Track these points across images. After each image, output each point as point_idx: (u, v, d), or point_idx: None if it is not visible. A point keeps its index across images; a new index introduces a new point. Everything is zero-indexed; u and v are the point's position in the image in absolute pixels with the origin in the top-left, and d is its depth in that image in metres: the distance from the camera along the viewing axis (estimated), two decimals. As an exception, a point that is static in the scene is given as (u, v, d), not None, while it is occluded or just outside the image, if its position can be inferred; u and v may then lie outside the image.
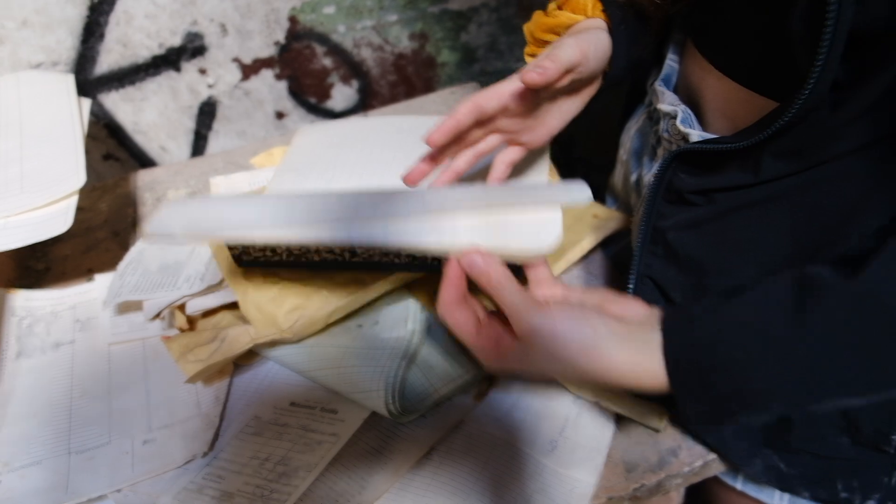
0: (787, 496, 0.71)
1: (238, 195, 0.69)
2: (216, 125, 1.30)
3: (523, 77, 0.65)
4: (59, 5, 1.06)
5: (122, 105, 1.19)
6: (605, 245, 0.89)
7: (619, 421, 0.72)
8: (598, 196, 0.97)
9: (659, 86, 0.74)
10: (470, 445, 0.70)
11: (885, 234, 0.49)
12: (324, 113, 1.41)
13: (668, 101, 0.71)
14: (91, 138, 1.18)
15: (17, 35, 1.06)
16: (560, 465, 0.68)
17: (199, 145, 1.31)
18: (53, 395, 0.76)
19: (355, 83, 1.40)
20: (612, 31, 0.72)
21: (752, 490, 0.74)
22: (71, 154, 0.82)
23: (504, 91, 0.69)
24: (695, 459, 0.69)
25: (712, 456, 0.69)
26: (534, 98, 0.72)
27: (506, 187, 0.64)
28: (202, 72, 1.23)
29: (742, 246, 0.62)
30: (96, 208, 1.06)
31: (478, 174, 0.80)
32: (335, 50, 1.33)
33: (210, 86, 1.25)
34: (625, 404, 0.71)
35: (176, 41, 1.18)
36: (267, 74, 1.30)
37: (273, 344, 0.77)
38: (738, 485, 0.75)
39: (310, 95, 1.37)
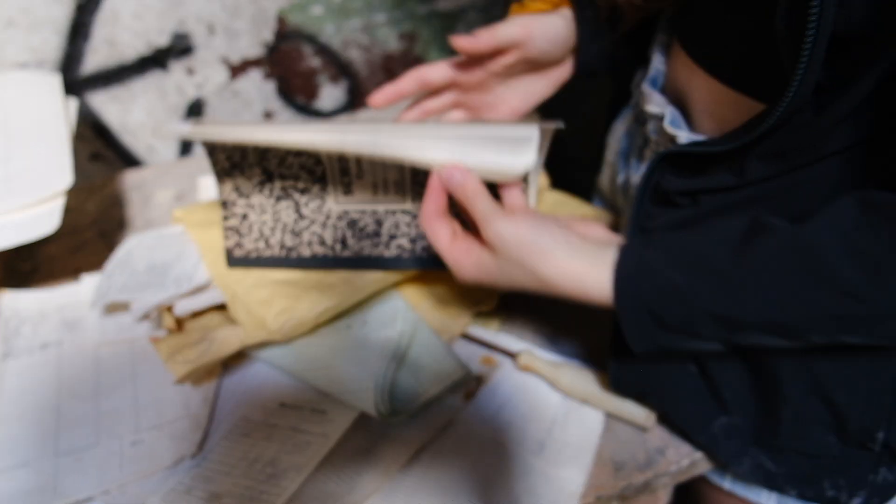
0: (774, 495, 0.72)
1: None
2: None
3: (452, 39, 0.71)
4: (45, 5, 1.06)
5: (109, 105, 1.19)
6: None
7: (607, 420, 0.73)
8: (587, 196, 0.97)
9: (646, 87, 0.74)
10: (459, 445, 0.70)
11: None
12: (312, 113, 1.40)
13: (655, 103, 0.72)
14: (78, 138, 1.18)
15: (3, 34, 1.05)
16: (549, 465, 0.68)
17: (186, 145, 1.31)
18: (41, 397, 0.75)
19: (343, 83, 1.40)
20: (577, 17, 0.76)
21: (740, 489, 0.74)
22: (58, 154, 0.82)
23: (448, 62, 0.76)
24: (682, 458, 0.69)
25: (699, 455, 0.70)
26: (482, 72, 0.76)
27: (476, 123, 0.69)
28: (190, 72, 1.22)
29: None
30: (83, 209, 1.05)
31: None
32: (323, 50, 1.33)
33: (198, 85, 1.25)
34: (612, 403, 0.72)
35: (163, 41, 1.18)
36: (255, 75, 1.29)
37: (262, 345, 0.77)
38: (727, 484, 0.75)
39: (298, 96, 1.37)
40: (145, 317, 0.80)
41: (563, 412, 0.73)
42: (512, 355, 0.78)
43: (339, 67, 1.37)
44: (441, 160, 0.63)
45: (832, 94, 0.52)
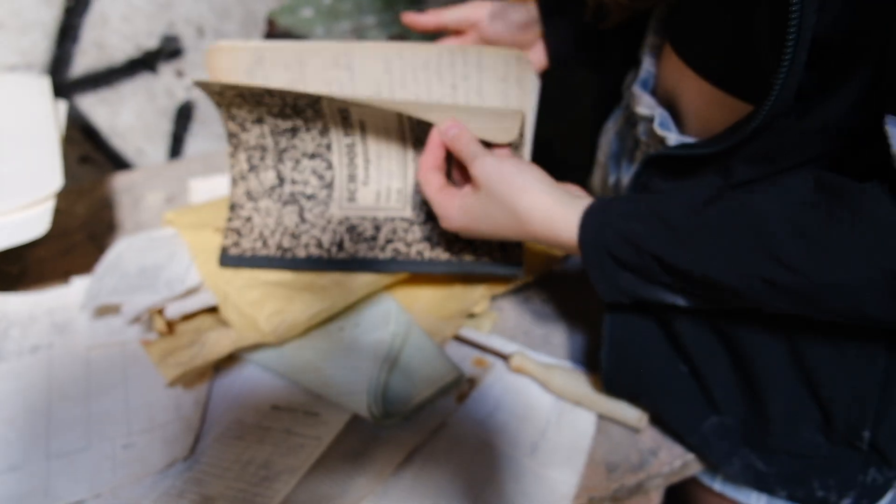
0: (764, 497, 0.72)
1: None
2: (194, 127, 1.29)
3: (403, 15, 0.84)
4: (34, 7, 1.05)
5: (98, 107, 1.18)
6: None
7: (600, 421, 0.73)
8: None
9: (636, 89, 0.74)
10: (452, 448, 0.70)
11: None
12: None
13: (645, 105, 0.72)
14: (67, 141, 1.17)
15: (-9, 37, 1.05)
16: (542, 466, 0.68)
17: (176, 148, 1.30)
18: (31, 400, 0.75)
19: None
20: (540, 7, 0.83)
21: (730, 491, 0.75)
22: (48, 156, 0.81)
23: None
24: (675, 459, 0.70)
25: (691, 456, 0.70)
26: None
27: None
28: (179, 74, 1.22)
29: None
30: (73, 211, 1.05)
31: None
32: (313, 53, 1.33)
33: (187, 88, 1.25)
34: (605, 405, 0.72)
35: (152, 43, 1.17)
36: (244, 77, 1.29)
37: (254, 347, 0.77)
38: (717, 485, 0.76)
39: (288, 98, 1.37)
40: (136, 319, 0.80)
41: (555, 414, 0.73)
42: (504, 357, 0.78)
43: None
44: (441, 118, 0.69)
45: (816, 99, 0.53)
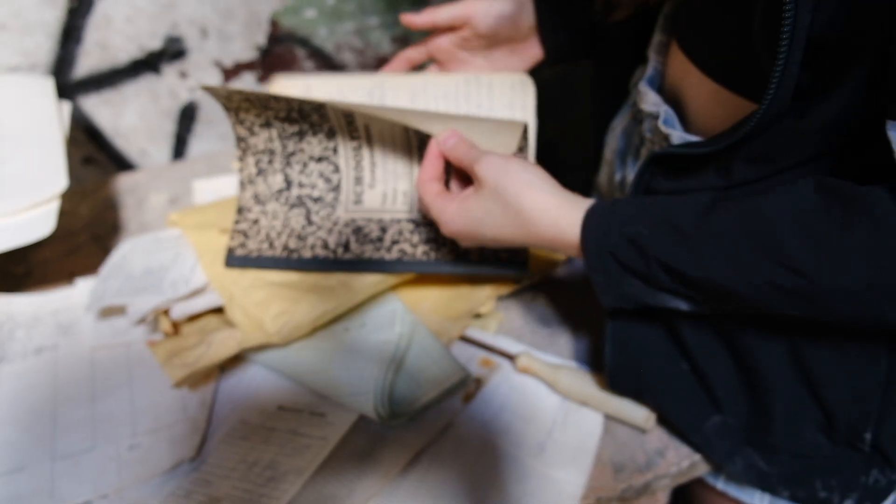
0: (767, 497, 0.72)
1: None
2: (197, 128, 1.28)
3: (401, 16, 0.87)
4: (37, 8, 1.05)
5: (101, 108, 1.18)
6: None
7: (607, 422, 0.73)
8: (583, 194, 0.97)
9: (643, 86, 0.75)
10: (458, 448, 0.70)
11: None
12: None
13: (651, 102, 0.72)
14: (70, 142, 1.17)
15: (-5, 38, 1.05)
16: (548, 467, 0.68)
17: (179, 149, 1.30)
18: (36, 401, 0.75)
19: (336, 87, 1.40)
20: (536, 3, 0.84)
21: (733, 490, 0.74)
22: (52, 157, 0.81)
23: (424, 42, 0.89)
24: (682, 460, 0.69)
25: (698, 456, 0.70)
26: (450, 45, 0.88)
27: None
28: (182, 75, 1.22)
29: None
30: (76, 212, 1.05)
31: None
32: (316, 53, 1.32)
33: (191, 89, 1.24)
34: (612, 405, 0.72)
35: (156, 44, 1.17)
36: (248, 78, 1.29)
37: (260, 348, 0.76)
38: (720, 485, 0.75)
39: (291, 99, 1.36)
40: (141, 320, 0.80)
41: (562, 414, 0.73)
42: (511, 357, 0.78)
43: (333, 70, 1.37)
44: (441, 129, 0.69)
45: (814, 99, 0.53)
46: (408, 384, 0.73)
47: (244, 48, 1.25)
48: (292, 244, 0.80)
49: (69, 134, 0.90)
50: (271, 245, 0.80)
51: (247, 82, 1.29)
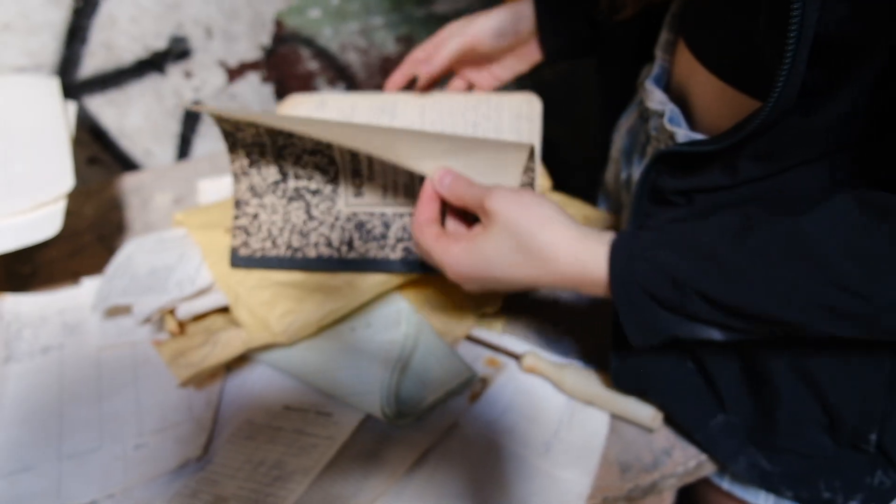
0: (772, 497, 0.72)
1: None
2: (202, 128, 1.29)
3: (386, 84, 0.91)
4: (42, 9, 1.05)
5: (106, 108, 1.18)
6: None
7: (613, 421, 0.72)
8: (586, 194, 0.98)
9: (649, 84, 0.75)
10: (464, 447, 0.70)
11: None
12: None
13: (656, 100, 0.72)
14: (75, 142, 1.17)
15: (0, 38, 1.05)
16: (555, 467, 0.68)
17: (184, 149, 1.30)
18: (43, 400, 0.75)
19: (341, 86, 1.40)
20: (536, 8, 0.86)
21: (738, 490, 0.74)
22: (58, 157, 0.82)
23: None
24: (689, 459, 0.69)
25: (705, 456, 0.70)
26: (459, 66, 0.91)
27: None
28: (187, 75, 1.22)
29: None
30: (82, 212, 1.05)
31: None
32: (321, 53, 1.32)
33: (195, 89, 1.25)
34: (618, 404, 0.72)
35: (161, 44, 1.17)
36: (253, 78, 1.29)
37: (265, 347, 0.76)
38: (725, 484, 0.75)
39: (295, 99, 1.37)
40: (147, 320, 0.80)
41: (568, 413, 0.73)
42: (516, 357, 0.78)
43: (337, 70, 1.37)
44: (434, 168, 0.64)
45: (820, 97, 0.53)
46: (414, 384, 0.73)
47: (249, 48, 1.25)
48: (295, 242, 0.79)
49: (74, 134, 0.90)
50: (274, 243, 0.80)
51: (251, 82, 1.29)
